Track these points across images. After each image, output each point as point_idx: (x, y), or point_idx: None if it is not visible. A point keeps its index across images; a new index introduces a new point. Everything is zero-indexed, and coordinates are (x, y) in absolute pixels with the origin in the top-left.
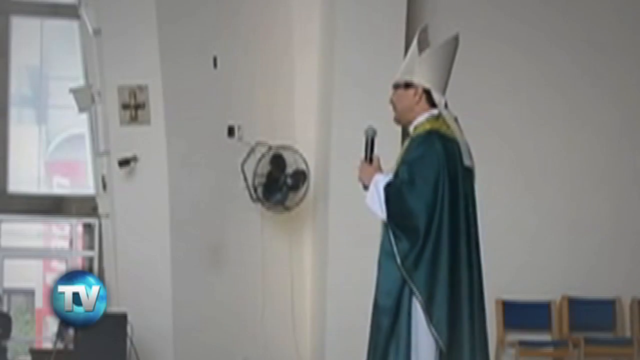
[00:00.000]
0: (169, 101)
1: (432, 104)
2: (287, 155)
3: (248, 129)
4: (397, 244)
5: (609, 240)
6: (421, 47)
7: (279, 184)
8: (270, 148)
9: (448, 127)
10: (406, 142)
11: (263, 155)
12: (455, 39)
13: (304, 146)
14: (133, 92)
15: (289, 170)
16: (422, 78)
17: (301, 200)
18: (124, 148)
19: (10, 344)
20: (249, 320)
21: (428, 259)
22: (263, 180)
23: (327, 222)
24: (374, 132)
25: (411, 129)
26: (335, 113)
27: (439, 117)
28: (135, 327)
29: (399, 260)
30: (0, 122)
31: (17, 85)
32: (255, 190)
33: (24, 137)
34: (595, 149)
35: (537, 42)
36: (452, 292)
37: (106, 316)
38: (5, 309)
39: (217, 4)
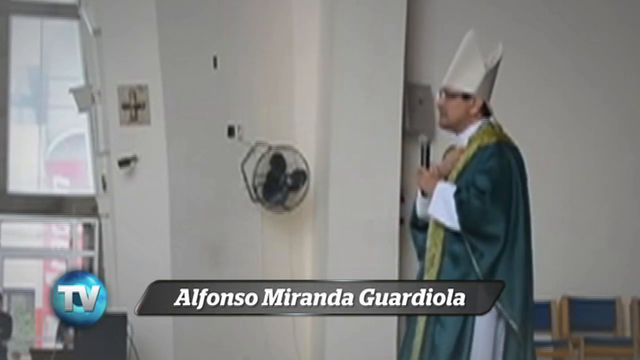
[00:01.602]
0: (169, 101)
1: (485, 113)
2: (287, 155)
3: (248, 129)
4: (473, 252)
5: (609, 240)
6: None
7: (279, 184)
8: (270, 148)
9: (506, 135)
10: (469, 151)
11: (263, 155)
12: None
13: (304, 146)
14: (133, 92)
15: (289, 170)
16: (484, 92)
17: (301, 200)
18: (124, 148)
19: (10, 344)
20: (249, 320)
21: (505, 266)
22: (263, 180)
23: (327, 222)
24: (429, 140)
25: (464, 137)
26: (335, 113)
27: (492, 126)
28: (135, 327)
29: (476, 268)
30: (0, 122)
31: (17, 85)
32: (255, 190)
33: (24, 137)
34: (595, 149)
35: (536, 42)
36: (527, 297)
37: (106, 316)
38: (5, 309)
39: (217, 4)
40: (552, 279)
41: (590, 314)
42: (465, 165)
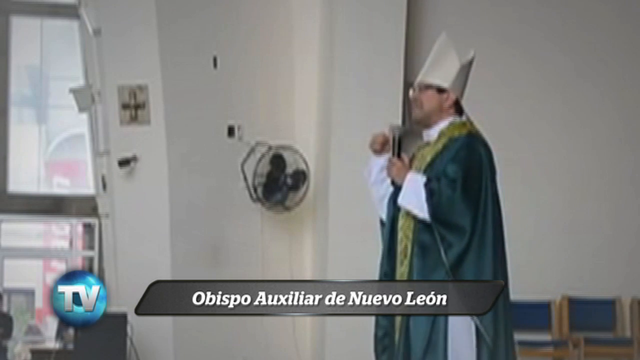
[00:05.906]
0: (169, 101)
1: (457, 111)
2: (287, 155)
3: (248, 129)
4: (442, 242)
5: (609, 240)
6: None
7: (279, 184)
8: (270, 148)
9: (477, 129)
10: (439, 144)
11: (263, 155)
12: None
13: (304, 146)
14: (133, 92)
15: (289, 170)
16: (456, 87)
17: (301, 200)
18: (124, 148)
19: (10, 344)
20: (249, 320)
21: (473, 257)
22: (263, 180)
23: (327, 222)
24: (400, 130)
25: (435, 132)
26: (335, 113)
27: (465, 123)
28: (135, 327)
29: (444, 258)
30: (0, 122)
31: (17, 85)
32: (255, 190)
33: (24, 137)
34: (595, 149)
35: (535, 42)
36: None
37: (106, 316)
38: (5, 309)
39: (217, 4)
40: (552, 279)
41: (590, 314)
42: (435, 158)
